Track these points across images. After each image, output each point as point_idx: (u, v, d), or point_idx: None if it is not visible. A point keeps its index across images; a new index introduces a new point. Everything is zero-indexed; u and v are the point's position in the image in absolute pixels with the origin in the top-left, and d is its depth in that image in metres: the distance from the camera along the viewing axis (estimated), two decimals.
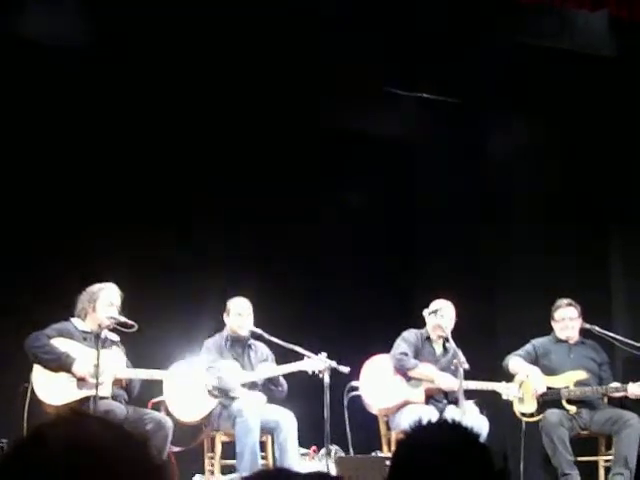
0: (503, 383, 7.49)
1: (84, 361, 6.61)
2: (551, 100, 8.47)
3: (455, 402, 7.32)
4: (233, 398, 7.08)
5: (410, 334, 7.68)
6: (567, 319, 7.76)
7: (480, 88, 8.41)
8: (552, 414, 7.40)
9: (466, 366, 7.18)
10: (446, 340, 7.53)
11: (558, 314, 7.79)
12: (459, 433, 2.31)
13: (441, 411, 7.38)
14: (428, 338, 7.70)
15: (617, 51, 8.08)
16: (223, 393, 7.11)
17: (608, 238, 8.61)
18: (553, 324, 7.83)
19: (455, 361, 7.16)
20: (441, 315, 7.57)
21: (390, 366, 7.58)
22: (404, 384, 7.53)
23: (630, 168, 8.37)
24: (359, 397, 7.54)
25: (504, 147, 9.27)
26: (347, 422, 7.34)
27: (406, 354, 7.54)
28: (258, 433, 6.97)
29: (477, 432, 2.25)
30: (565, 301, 7.75)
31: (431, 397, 7.54)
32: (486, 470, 2.22)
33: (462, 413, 6.95)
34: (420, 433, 2.29)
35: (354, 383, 7.53)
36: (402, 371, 7.52)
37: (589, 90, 8.35)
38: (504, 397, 7.47)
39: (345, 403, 7.40)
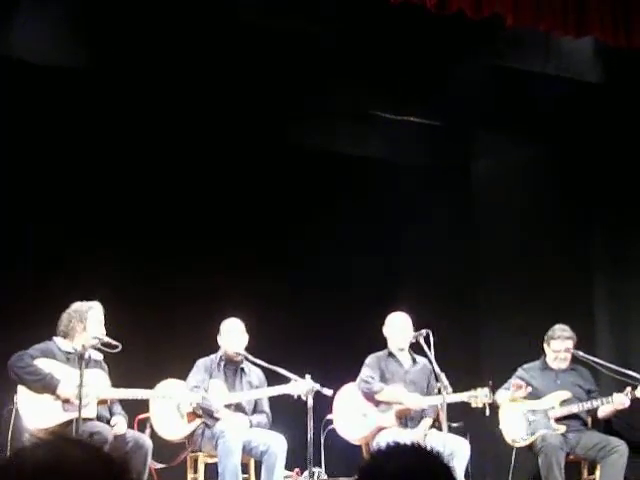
0: (471, 391, 7.28)
1: (69, 382, 6.55)
2: (536, 124, 8.51)
3: (438, 427, 7.31)
4: (216, 419, 7.07)
5: (372, 358, 7.66)
6: (563, 351, 7.71)
7: (465, 112, 8.45)
8: (552, 436, 7.37)
9: (449, 390, 7.15)
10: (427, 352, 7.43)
11: (556, 345, 7.71)
12: (422, 456, 2.28)
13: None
14: (391, 354, 7.69)
15: (603, 76, 8.12)
16: (206, 413, 7.09)
17: (593, 261, 8.63)
18: (547, 350, 7.77)
19: (439, 384, 7.13)
20: (389, 326, 7.63)
21: (359, 394, 7.54)
22: (374, 410, 7.49)
23: (616, 191, 8.39)
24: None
25: (488, 170, 9.32)
26: (323, 455, 7.32)
27: (372, 377, 7.52)
28: (240, 455, 6.94)
29: (440, 454, 2.22)
30: (566, 333, 7.66)
31: (405, 418, 7.49)
32: None
33: (444, 436, 6.96)
34: (382, 458, 2.28)
35: (330, 417, 7.52)
36: (370, 396, 7.47)
37: (574, 114, 8.40)
38: (474, 405, 7.27)
39: (322, 439, 7.40)
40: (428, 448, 2.27)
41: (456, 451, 7.12)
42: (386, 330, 7.72)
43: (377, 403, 7.48)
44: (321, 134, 8.93)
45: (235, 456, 6.89)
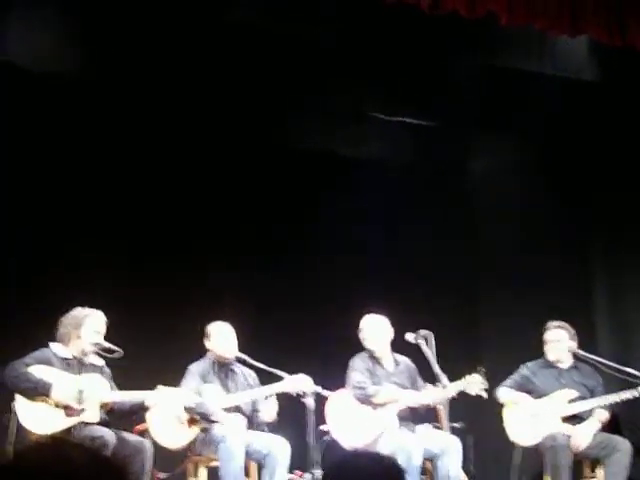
0: (466, 378, 7.15)
1: (63, 387, 6.51)
2: (531, 123, 8.51)
3: (439, 427, 7.29)
4: (214, 422, 7.05)
5: (356, 361, 7.59)
6: (553, 341, 7.73)
7: (460, 112, 8.46)
8: (562, 437, 7.34)
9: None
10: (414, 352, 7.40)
11: (546, 336, 7.76)
12: (378, 465, 2.38)
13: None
14: (373, 357, 7.66)
15: (598, 75, 8.14)
16: (204, 417, 7.07)
17: (592, 259, 8.64)
18: (544, 346, 7.79)
19: (439, 384, 7.11)
20: (361, 329, 7.59)
21: (353, 400, 7.47)
22: (375, 414, 7.39)
23: (612, 190, 8.41)
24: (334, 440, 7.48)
25: (484, 171, 9.33)
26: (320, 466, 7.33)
27: (364, 382, 7.44)
28: (242, 459, 6.90)
29: (397, 463, 2.33)
30: (554, 323, 7.72)
31: (399, 418, 7.47)
32: None
33: (435, 434, 6.95)
34: (341, 468, 2.36)
35: (323, 427, 7.47)
36: (366, 401, 7.37)
37: (570, 113, 8.41)
38: (472, 393, 7.14)
39: (321, 453, 7.39)
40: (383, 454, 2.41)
41: (446, 448, 7.10)
42: (362, 334, 7.64)
43: (375, 406, 7.44)
44: (317, 134, 8.94)
45: (238, 460, 6.85)
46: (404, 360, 7.60)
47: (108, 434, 6.48)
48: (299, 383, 7.00)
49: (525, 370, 7.80)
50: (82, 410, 6.41)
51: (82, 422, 6.39)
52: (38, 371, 6.57)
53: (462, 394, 7.16)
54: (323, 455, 7.40)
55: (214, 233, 8.76)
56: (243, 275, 8.77)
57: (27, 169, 7.92)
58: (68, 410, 6.51)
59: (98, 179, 8.25)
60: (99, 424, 6.59)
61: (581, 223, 8.65)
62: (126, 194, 8.38)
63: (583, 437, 7.37)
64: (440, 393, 7.04)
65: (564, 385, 7.66)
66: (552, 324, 7.73)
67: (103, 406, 6.69)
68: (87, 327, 6.73)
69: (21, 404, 6.50)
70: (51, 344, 6.78)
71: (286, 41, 7.52)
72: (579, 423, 7.50)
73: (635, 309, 8.30)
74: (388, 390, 7.43)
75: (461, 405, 7.26)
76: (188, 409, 7.00)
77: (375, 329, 7.59)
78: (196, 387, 7.16)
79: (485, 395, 7.21)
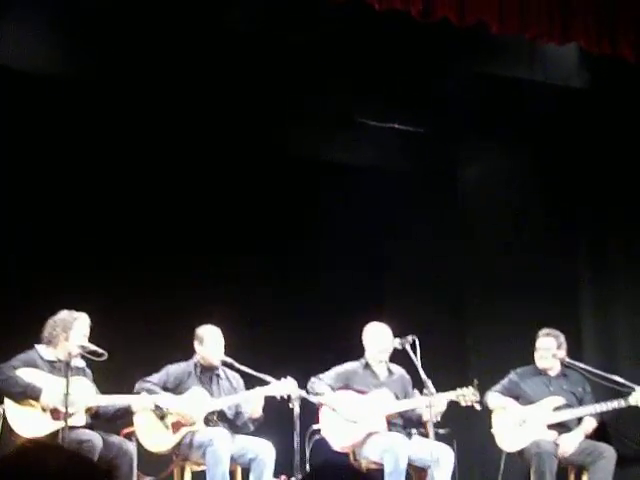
0: (457, 390, 7.25)
1: (52, 392, 6.51)
2: (521, 130, 8.54)
3: (424, 434, 7.30)
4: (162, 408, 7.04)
5: (342, 365, 7.65)
6: (542, 349, 7.73)
7: (451, 119, 8.47)
8: (547, 443, 7.35)
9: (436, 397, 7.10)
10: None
11: (537, 343, 7.75)
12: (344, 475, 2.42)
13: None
14: (367, 365, 7.68)
15: (588, 83, 8.16)
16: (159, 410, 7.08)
17: (579, 265, 8.65)
18: (534, 353, 7.79)
19: (425, 391, 7.11)
20: (367, 337, 7.63)
21: (346, 401, 7.50)
22: (364, 416, 7.41)
23: (601, 198, 8.42)
24: (323, 439, 7.52)
25: (475, 177, 9.34)
26: (309, 463, 7.32)
27: (323, 381, 7.50)
28: (228, 463, 6.91)
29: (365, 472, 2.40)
30: (544, 331, 7.72)
31: (389, 423, 7.49)
32: None
33: (429, 443, 6.96)
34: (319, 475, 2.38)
35: (315, 426, 7.51)
36: (311, 395, 7.37)
37: (559, 120, 8.42)
38: (462, 404, 7.24)
39: (308, 451, 7.41)
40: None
41: (441, 458, 7.11)
42: (365, 341, 7.70)
43: (367, 409, 7.45)
44: (307, 141, 8.94)
45: (224, 464, 6.86)
46: (399, 371, 7.61)
47: (95, 437, 6.49)
48: (284, 387, 7.00)
49: (514, 376, 7.82)
50: (69, 414, 6.41)
51: (69, 426, 6.39)
52: (26, 374, 6.57)
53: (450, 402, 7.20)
54: (311, 453, 7.43)
55: (203, 236, 8.75)
56: (232, 279, 8.77)
57: (19, 172, 7.90)
58: (55, 414, 6.51)
59: (95, 180, 8.25)
60: (85, 427, 6.60)
61: (569, 231, 8.66)
62: (120, 195, 8.38)
63: (569, 444, 7.39)
64: (429, 403, 7.03)
65: (552, 392, 7.67)
66: (542, 332, 7.74)
67: (88, 410, 6.69)
68: (76, 330, 6.72)
69: (9, 407, 6.50)
70: (37, 346, 6.79)
71: (278, 48, 7.52)
72: (565, 431, 7.52)
73: (622, 318, 8.31)
74: (333, 398, 7.44)
75: (446, 411, 7.27)
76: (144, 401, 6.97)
77: (375, 337, 7.61)
78: (159, 381, 7.14)
79: (478, 407, 7.25)
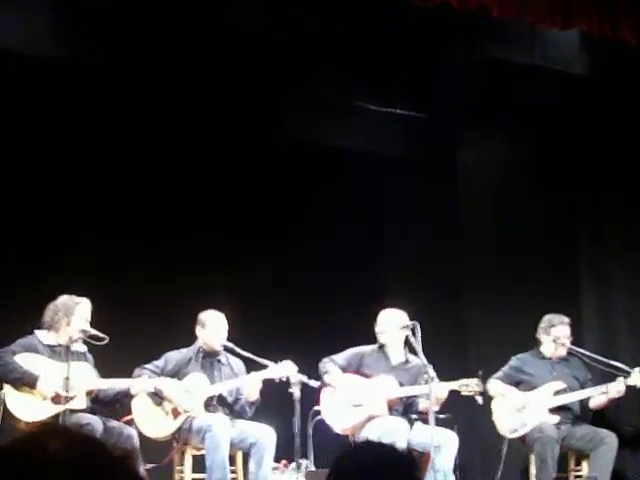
0: (461, 380, 7.27)
1: (50, 377, 6.51)
2: (521, 116, 8.51)
3: (424, 420, 7.30)
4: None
5: (356, 348, 7.67)
6: (563, 337, 7.69)
7: (450, 104, 8.45)
8: (549, 428, 7.36)
9: (436, 381, 7.09)
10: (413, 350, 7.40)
11: (558, 331, 7.68)
12: (386, 453, 2.37)
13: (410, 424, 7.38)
14: (381, 348, 7.69)
15: (589, 68, 8.14)
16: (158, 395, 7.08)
17: (578, 253, 8.64)
18: (545, 339, 7.75)
19: (425, 376, 7.11)
20: (380, 323, 7.61)
21: (348, 384, 7.51)
22: (366, 400, 7.43)
23: (600, 184, 8.41)
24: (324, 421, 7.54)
25: (472, 162, 9.33)
26: (312, 448, 7.33)
27: (334, 362, 7.53)
28: (227, 448, 6.91)
29: (402, 449, 2.36)
30: (565, 319, 7.68)
31: (391, 409, 7.49)
32: None
33: (432, 429, 6.96)
34: (349, 456, 2.42)
35: (317, 408, 7.53)
36: (320, 373, 7.44)
37: (560, 106, 8.41)
38: (464, 393, 7.24)
39: (310, 430, 7.41)
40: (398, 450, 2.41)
41: (444, 444, 7.11)
42: (378, 326, 7.66)
43: (370, 393, 7.46)
44: (305, 126, 8.91)
45: (223, 449, 6.86)
46: (416, 361, 7.48)
47: (95, 421, 6.50)
48: (282, 369, 7.00)
49: (515, 362, 7.81)
50: (69, 398, 6.41)
51: (69, 410, 6.39)
52: (25, 360, 6.57)
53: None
54: (313, 434, 7.44)
55: (203, 221, 8.73)
56: (231, 264, 8.76)
57: (26, 150, 7.87)
58: (55, 398, 6.50)
59: (95, 163, 8.20)
60: (85, 411, 6.60)
61: (569, 217, 8.65)
62: (119, 180, 8.34)
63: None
64: (430, 389, 7.03)
65: (555, 377, 7.67)
66: (563, 319, 7.69)
67: (89, 393, 6.69)
68: (78, 315, 6.72)
69: (8, 392, 6.50)
70: (36, 331, 6.78)
71: (277, 33, 7.50)
72: (567, 415, 7.53)
73: (619, 304, 8.31)
74: (340, 377, 7.47)
75: (447, 397, 7.27)
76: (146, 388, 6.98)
77: (389, 322, 7.60)
78: (157, 367, 7.15)
79: (480, 401, 7.26)
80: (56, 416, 6.45)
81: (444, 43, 7.84)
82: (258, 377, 7.15)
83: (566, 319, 7.68)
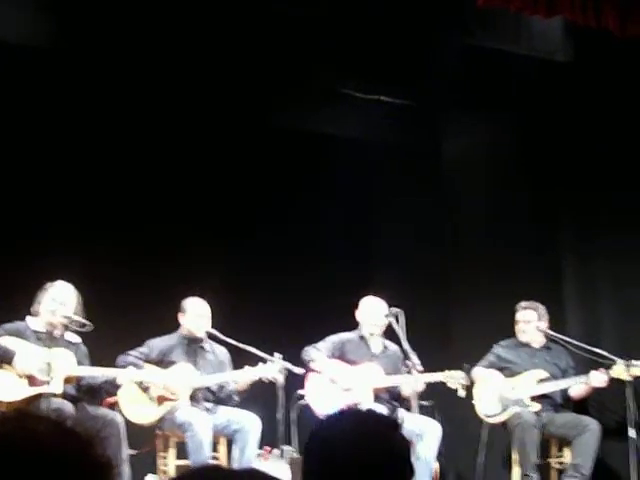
0: (446, 372, 7.36)
1: (27, 358, 6.56)
2: (506, 102, 8.52)
3: (407, 407, 7.33)
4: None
5: (336, 335, 7.72)
6: (522, 322, 7.80)
7: (436, 91, 8.46)
8: (528, 414, 7.40)
9: (420, 368, 7.14)
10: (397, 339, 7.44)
11: (517, 316, 7.83)
12: (375, 420, 2.24)
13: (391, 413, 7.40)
14: (362, 338, 7.73)
15: (573, 56, 8.15)
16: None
17: (561, 242, 8.67)
18: (515, 326, 7.86)
19: (409, 363, 7.14)
20: (361, 311, 7.70)
21: (333, 371, 7.56)
22: (354, 385, 7.49)
23: (585, 172, 8.43)
24: (308, 405, 7.56)
25: (458, 150, 9.33)
26: (296, 434, 7.34)
27: (318, 349, 7.57)
28: (210, 445, 6.90)
29: (393, 418, 2.22)
30: (523, 304, 7.79)
31: (376, 397, 7.52)
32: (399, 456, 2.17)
33: (415, 417, 6.98)
34: (331, 422, 2.24)
35: (301, 391, 7.54)
36: (305, 361, 7.47)
37: (544, 94, 8.42)
38: (450, 385, 7.32)
39: (294, 416, 7.43)
40: (381, 414, 2.25)
41: (427, 432, 7.15)
42: (359, 315, 7.73)
43: (357, 380, 7.48)
44: (291, 113, 8.89)
45: (205, 449, 6.83)
46: (393, 348, 7.64)
47: (67, 406, 6.53)
48: (274, 369, 7.00)
49: (497, 349, 7.86)
50: (47, 382, 6.45)
51: (43, 393, 6.43)
52: (5, 341, 6.62)
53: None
54: (298, 421, 7.46)
55: (188, 208, 8.71)
56: (217, 251, 8.76)
57: (10, 137, 7.85)
58: (32, 380, 6.55)
59: (80, 151, 8.18)
60: (62, 397, 6.61)
61: (553, 206, 8.67)
62: (104, 167, 8.31)
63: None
64: (414, 379, 7.07)
65: (537, 364, 7.71)
66: (521, 305, 7.81)
67: (69, 380, 6.71)
68: (46, 298, 6.78)
69: None
70: (27, 317, 6.85)
71: (263, 20, 7.49)
72: (549, 403, 7.56)
73: (604, 292, 8.34)
74: (331, 365, 7.49)
75: (429, 384, 7.30)
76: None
77: (372, 311, 7.65)
78: (140, 354, 7.15)
79: (463, 394, 7.29)
80: (30, 398, 6.49)
81: (430, 31, 7.84)
82: (248, 376, 7.16)
83: (525, 303, 7.78)
